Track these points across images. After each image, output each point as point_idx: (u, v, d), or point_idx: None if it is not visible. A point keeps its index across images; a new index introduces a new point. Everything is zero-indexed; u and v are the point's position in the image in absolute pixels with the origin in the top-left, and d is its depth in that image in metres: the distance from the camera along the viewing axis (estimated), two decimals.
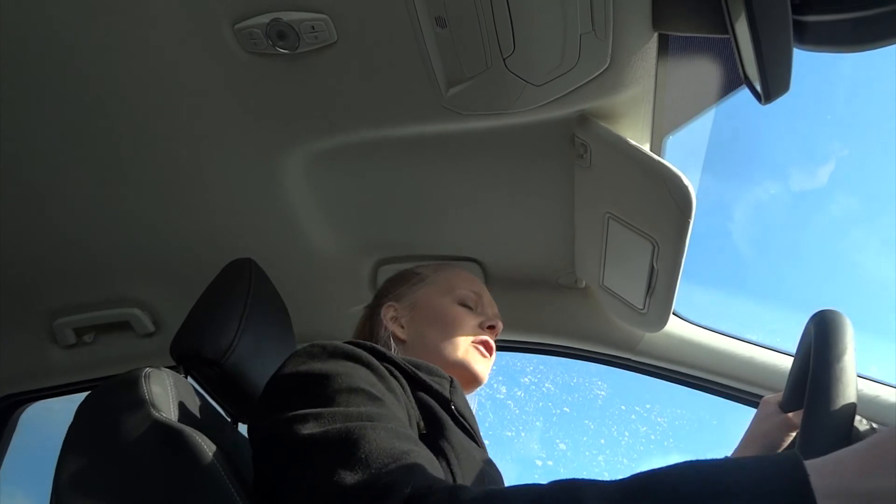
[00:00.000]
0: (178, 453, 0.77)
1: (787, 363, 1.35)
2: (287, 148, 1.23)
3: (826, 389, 0.72)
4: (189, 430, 0.79)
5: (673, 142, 1.19)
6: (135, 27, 1.00)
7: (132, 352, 1.72)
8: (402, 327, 1.11)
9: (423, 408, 0.87)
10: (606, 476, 0.58)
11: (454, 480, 0.76)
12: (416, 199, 1.39)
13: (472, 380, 1.07)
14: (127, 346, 1.73)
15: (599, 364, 1.61)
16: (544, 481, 1.02)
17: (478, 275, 1.55)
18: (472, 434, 0.91)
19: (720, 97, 1.11)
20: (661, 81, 1.05)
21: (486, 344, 1.10)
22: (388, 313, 1.13)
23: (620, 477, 0.57)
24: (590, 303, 1.56)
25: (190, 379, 1.00)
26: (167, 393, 0.86)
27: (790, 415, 1.00)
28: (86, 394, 0.90)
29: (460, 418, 0.90)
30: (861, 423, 0.77)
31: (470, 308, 1.14)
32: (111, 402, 0.85)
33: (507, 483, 1.03)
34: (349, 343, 0.86)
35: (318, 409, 0.71)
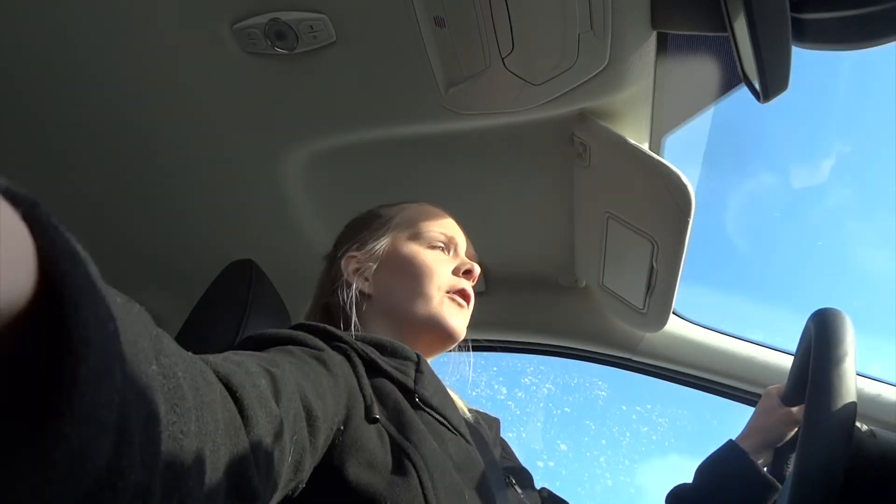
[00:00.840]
0: None
1: (787, 362, 1.35)
2: (287, 148, 1.23)
3: (827, 389, 0.72)
4: None
5: (672, 141, 1.19)
6: (133, 28, 1.01)
7: None
8: (367, 280, 0.96)
9: (382, 398, 0.76)
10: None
11: (421, 488, 0.67)
12: (416, 198, 1.39)
13: (447, 337, 0.94)
14: None
15: (600, 364, 1.61)
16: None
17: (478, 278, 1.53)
18: (445, 422, 0.80)
19: (719, 95, 1.11)
20: (661, 80, 1.05)
21: (462, 293, 0.96)
22: (349, 265, 0.98)
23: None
24: (590, 303, 1.56)
25: None
26: None
27: (793, 409, 1.00)
28: None
29: (428, 411, 0.79)
30: (862, 427, 0.77)
31: (443, 251, 0.99)
32: None
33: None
34: (296, 326, 0.79)
35: None
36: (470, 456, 0.78)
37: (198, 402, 0.37)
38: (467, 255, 1.02)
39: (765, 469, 0.98)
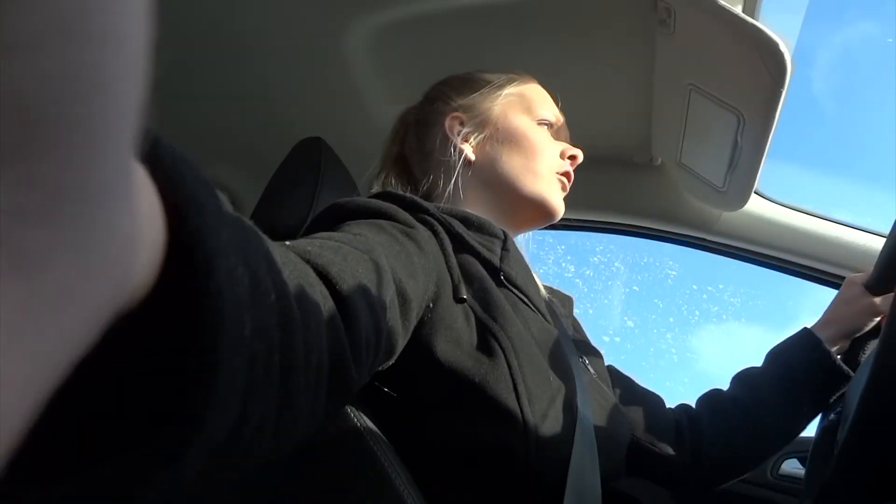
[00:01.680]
0: None
1: (877, 244, 1.28)
2: (349, 19, 1.19)
3: None
4: None
5: (769, 3, 1.08)
6: None
7: None
8: (471, 146, 0.93)
9: (468, 276, 0.75)
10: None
11: (509, 369, 0.67)
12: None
13: (548, 215, 0.93)
14: None
15: (673, 244, 1.57)
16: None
17: None
18: (528, 302, 0.80)
19: None
20: None
21: (567, 175, 0.96)
22: (454, 126, 0.94)
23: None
24: (665, 181, 1.50)
25: None
26: None
27: (877, 300, 0.95)
28: None
29: (513, 290, 0.78)
30: None
31: (550, 130, 0.97)
32: None
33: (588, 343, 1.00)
34: (382, 195, 0.76)
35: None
36: (550, 334, 0.79)
37: (304, 313, 0.35)
38: (563, 138, 1.00)
39: (839, 358, 0.96)
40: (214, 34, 1.24)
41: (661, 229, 1.56)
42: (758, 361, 1.03)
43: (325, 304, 0.42)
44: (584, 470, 0.70)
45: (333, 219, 0.68)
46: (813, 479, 0.88)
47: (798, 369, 0.96)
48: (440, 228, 0.76)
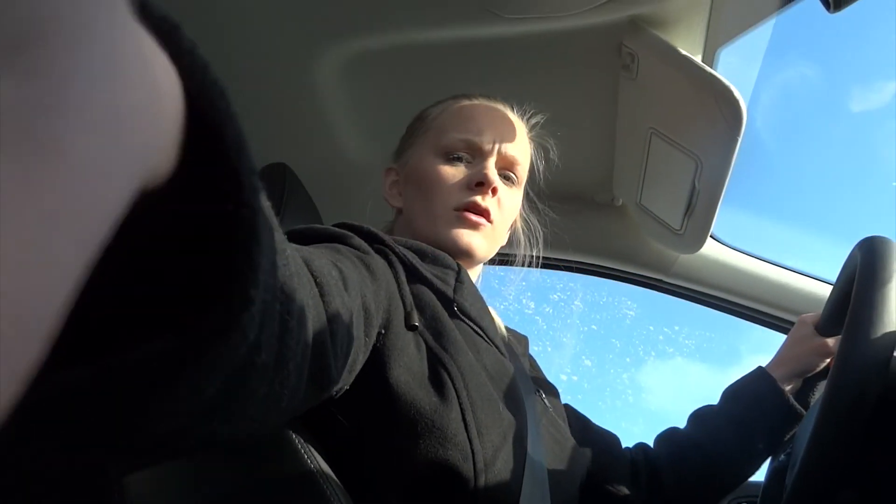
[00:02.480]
0: None
1: (825, 291, 1.32)
2: (321, 46, 1.20)
3: (868, 314, 0.70)
4: None
5: (727, 55, 1.13)
6: None
7: None
8: (400, 194, 0.95)
9: (421, 305, 0.74)
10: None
11: (458, 398, 0.67)
12: None
13: (459, 255, 0.87)
14: None
15: (631, 284, 1.60)
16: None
17: None
18: (481, 333, 0.79)
19: (782, 5, 1.03)
20: None
21: (473, 206, 0.87)
22: (388, 178, 0.98)
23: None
24: (625, 222, 1.53)
25: None
26: None
27: (827, 340, 0.98)
28: None
29: (467, 321, 0.78)
30: None
31: (459, 161, 0.90)
32: None
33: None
34: (341, 225, 0.75)
35: None
36: (504, 366, 0.79)
37: (302, 285, 0.37)
38: (506, 155, 0.92)
39: (791, 397, 0.97)
40: None
41: (621, 269, 1.59)
42: (712, 400, 1.04)
43: (312, 290, 0.43)
44: None
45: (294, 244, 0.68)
46: None
47: (754, 408, 0.97)
48: (395, 258, 0.76)
